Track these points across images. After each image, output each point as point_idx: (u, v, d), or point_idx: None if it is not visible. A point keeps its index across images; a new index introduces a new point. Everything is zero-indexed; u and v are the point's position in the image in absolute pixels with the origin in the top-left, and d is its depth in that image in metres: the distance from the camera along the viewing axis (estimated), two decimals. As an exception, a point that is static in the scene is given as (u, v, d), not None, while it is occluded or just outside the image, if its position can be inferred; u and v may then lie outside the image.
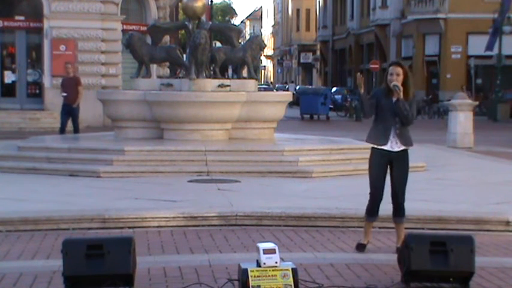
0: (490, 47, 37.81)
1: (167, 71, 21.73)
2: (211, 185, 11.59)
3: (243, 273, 5.87)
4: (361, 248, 7.72)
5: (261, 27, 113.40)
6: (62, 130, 18.61)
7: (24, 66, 28.42)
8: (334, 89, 49.69)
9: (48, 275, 6.58)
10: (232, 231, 8.73)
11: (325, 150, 14.02)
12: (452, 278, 6.28)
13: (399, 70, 7.46)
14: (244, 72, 16.44)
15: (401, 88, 7.41)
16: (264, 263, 5.90)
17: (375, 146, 7.66)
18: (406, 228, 8.64)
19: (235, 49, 15.92)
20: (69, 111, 18.51)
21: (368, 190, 7.74)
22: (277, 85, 74.93)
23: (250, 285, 5.80)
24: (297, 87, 60.90)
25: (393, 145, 7.57)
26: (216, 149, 13.43)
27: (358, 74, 8.40)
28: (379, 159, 7.62)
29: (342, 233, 8.73)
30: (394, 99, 7.47)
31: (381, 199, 7.71)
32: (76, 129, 18.71)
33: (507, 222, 9.15)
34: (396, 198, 7.65)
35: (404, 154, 7.62)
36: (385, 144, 7.56)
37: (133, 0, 30.35)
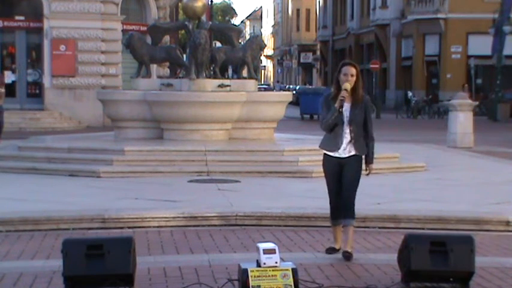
0: (496, 49, 37.75)
1: (167, 71, 21.72)
2: (211, 185, 11.58)
3: (243, 273, 5.86)
4: (330, 251, 7.47)
5: (261, 27, 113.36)
6: None
7: (24, 66, 28.42)
8: (334, 89, 49.67)
9: (48, 275, 6.58)
10: (232, 231, 8.73)
11: (325, 150, 13.99)
12: (452, 278, 6.27)
13: (353, 70, 7.19)
14: (244, 72, 16.45)
15: (346, 95, 7.15)
16: (264, 263, 5.90)
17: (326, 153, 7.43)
18: (406, 228, 8.68)
19: (235, 49, 15.93)
20: None
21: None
22: (277, 85, 74.98)
23: (250, 285, 5.80)
24: (282, 86, 62.36)
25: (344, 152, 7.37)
26: (216, 149, 13.43)
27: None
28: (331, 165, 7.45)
29: (341, 233, 8.70)
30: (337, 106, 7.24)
31: (336, 204, 7.53)
32: None
33: (507, 222, 9.14)
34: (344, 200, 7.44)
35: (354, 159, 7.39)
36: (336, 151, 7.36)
37: (133, 0, 30.35)
